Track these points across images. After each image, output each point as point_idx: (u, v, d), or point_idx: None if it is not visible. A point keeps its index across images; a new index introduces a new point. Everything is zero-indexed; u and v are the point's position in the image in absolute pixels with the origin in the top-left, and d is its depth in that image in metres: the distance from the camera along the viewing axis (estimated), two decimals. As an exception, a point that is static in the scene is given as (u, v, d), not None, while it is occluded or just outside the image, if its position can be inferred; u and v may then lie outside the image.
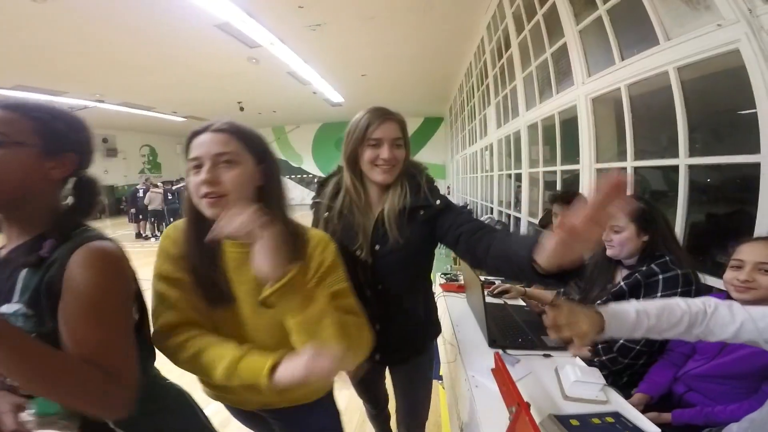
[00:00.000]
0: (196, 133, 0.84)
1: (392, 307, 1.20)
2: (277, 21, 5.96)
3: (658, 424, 1.13)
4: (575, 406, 1.07)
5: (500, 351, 1.33)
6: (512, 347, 1.40)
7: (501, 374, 1.03)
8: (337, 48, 7.45)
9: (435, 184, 1.21)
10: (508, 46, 5.09)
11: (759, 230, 1.69)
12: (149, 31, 6.27)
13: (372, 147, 1.12)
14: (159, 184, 9.77)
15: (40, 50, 6.78)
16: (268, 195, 0.85)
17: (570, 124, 3.46)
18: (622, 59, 2.60)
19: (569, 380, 1.13)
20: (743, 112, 1.92)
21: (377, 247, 1.16)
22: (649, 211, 1.42)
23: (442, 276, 2.43)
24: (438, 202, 1.14)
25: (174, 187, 9.60)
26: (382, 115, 1.12)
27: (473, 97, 8.06)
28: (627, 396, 1.27)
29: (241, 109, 12.65)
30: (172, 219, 9.61)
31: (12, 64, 7.40)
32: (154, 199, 9.17)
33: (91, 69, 8.02)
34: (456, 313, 1.82)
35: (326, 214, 1.21)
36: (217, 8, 5.16)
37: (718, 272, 1.84)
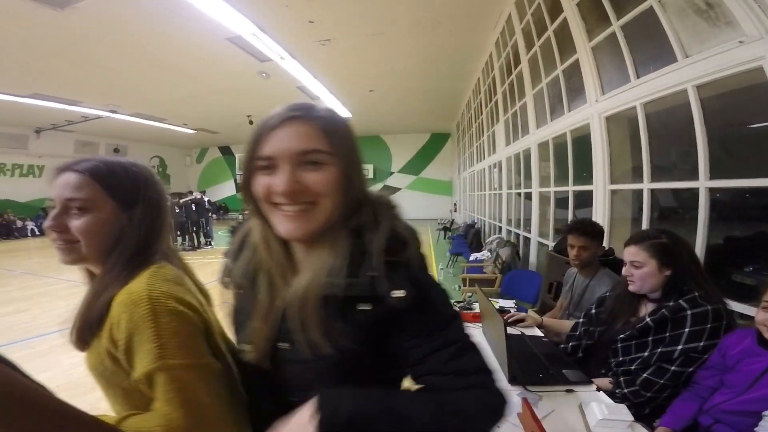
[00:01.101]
0: (60, 170, 0.73)
1: None
2: (288, 35, 6.05)
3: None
4: (603, 448, 0.98)
5: (523, 389, 1.25)
6: (533, 383, 1.32)
7: (530, 422, 0.94)
8: (346, 63, 7.55)
9: (408, 247, 0.62)
10: (517, 62, 5.10)
11: None
12: (163, 43, 6.41)
13: (264, 173, 0.61)
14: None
15: (56, 60, 6.95)
16: (124, 243, 0.73)
17: (582, 142, 3.41)
18: (638, 77, 2.56)
19: (595, 418, 1.04)
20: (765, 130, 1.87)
21: (283, 344, 0.64)
22: (672, 245, 1.38)
23: (455, 304, 2.32)
24: (400, 294, 0.57)
25: (181, 201, 9.64)
26: (283, 115, 0.61)
27: (481, 114, 8.07)
28: (650, 429, 1.18)
29: (251, 122, 12.80)
30: (178, 233, 9.61)
31: (28, 73, 7.57)
32: (161, 212, 9.14)
33: (106, 80, 8.18)
34: None
35: (226, 279, 0.74)
36: (230, 22, 5.24)
37: (738, 293, 1.78)
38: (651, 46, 2.42)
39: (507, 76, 5.75)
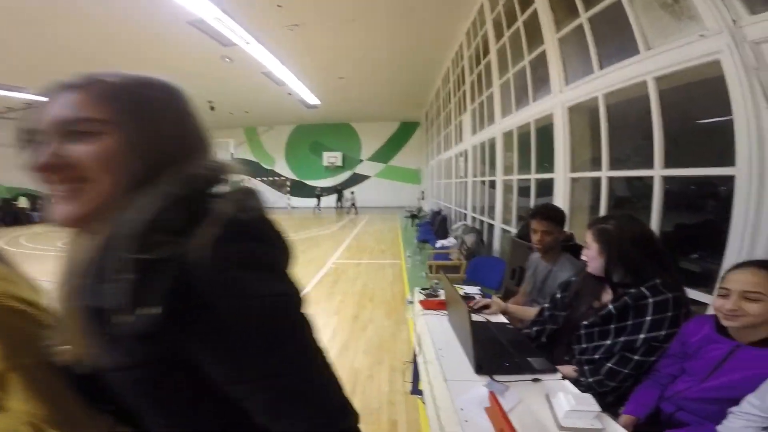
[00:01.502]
0: None
1: None
2: (254, 20, 5.71)
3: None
4: (571, 439, 0.96)
5: (490, 379, 1.21)
6: (499, 372, 1.28)
7: (498, 418, 0.90)
8: (315, 49, 7.25)
9: (197, 232, 0.42)
10: (486, 52, 5.06)
11: (731, 242, 1.64)
12: (119, 25, 5.88)
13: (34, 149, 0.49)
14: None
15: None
16: None
17: (545, 132, 3.43)
18: (601, 68, 2.56)
19: (563, 409, 1.02)
20: (717, 122, 1.91)
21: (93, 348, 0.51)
22: (614, 232, 1.37)
23: (421, 291, 2.20)
24: (150, 311, 0.39)
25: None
26: (57, 85, 0.51)
27: (450, 103, 8.05)
28: (614, 417, 1.18)
29: (212, 108, 12.24)
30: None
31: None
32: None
33: (55, 63, 7.46)
34: (437, 334, 1.66)
35: None
36: (192, 4, 4.87)
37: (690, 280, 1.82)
38: (616, 39, 2.42)
39: (475, 66, 5.72)
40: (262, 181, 17.81)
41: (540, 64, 3.46)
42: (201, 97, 11.20)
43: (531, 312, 1.80)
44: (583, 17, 2.69)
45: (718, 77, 1.70)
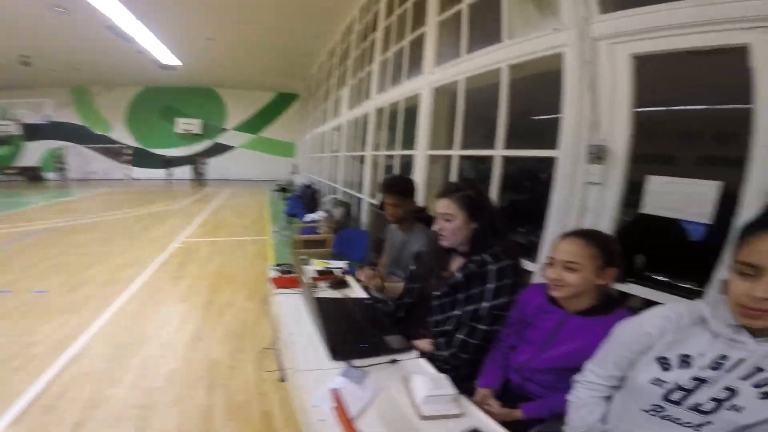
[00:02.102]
0: None
1: None
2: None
3: (511, 421, 1.00)
4: (434, 426, 0.85)
5: (347, 366, 1.02)
6: (356, 356, 1.08)
7: (343, 419, 0.71)
8: (181, 5, 5.99)
9: None
10: (374, 29, 4.82)
11: (553, 214, 1.79)
12: None
13: None
14: None
15: None
16: None
17: (412, 111, 3.43)
18: (468, 53, 2.60)
19: (421, 395, 0.88)
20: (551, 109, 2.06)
21: None
22: (478, 198, 1.31)
23: (276, 268, 1.93)
24: None
25: None
26: None
27: (332, 77, 7.64)
28: (470, 389, 1.12)
29: (25, 64, 9.33)
30: None
31: None
32: None
33: None
34: (292, 316, 1.39)
35: None
36: None
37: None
38: (487, 27, 2.42)
39: (362, 43, 5.43)
40: (92, 148, 14.38)
41: (418, 45, 3.40)
42: (14, 51, 8.55)
43: (399, 288, 1.66)
44: (465, 3, 2.66)
45: (558, 71, 1.81)
